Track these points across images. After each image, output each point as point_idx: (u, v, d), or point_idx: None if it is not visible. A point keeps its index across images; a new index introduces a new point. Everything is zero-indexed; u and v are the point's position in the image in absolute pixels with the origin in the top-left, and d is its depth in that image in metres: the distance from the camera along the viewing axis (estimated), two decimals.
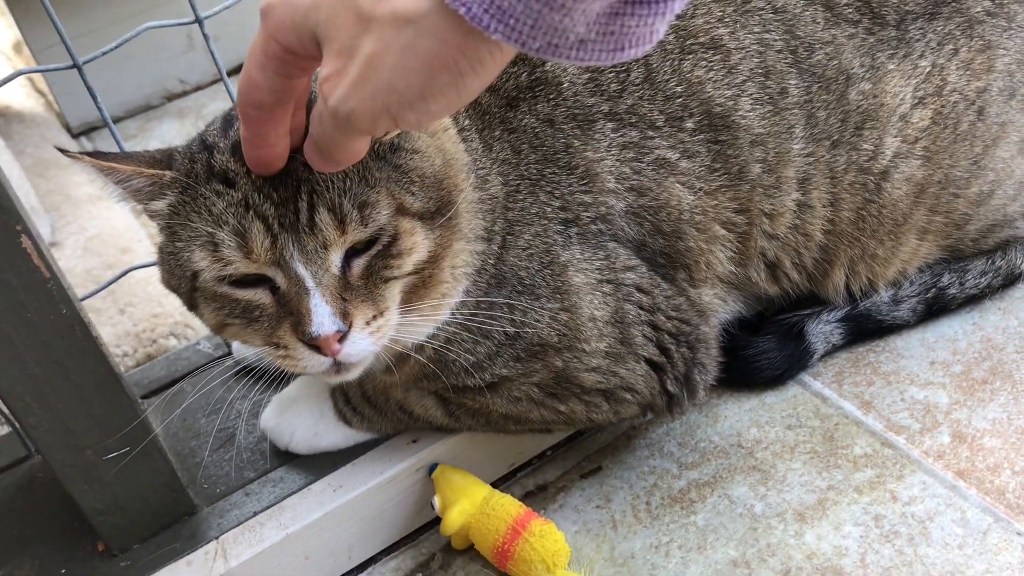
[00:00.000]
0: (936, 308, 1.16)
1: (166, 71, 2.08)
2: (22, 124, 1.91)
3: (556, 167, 0.94)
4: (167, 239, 0.83)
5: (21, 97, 2.08)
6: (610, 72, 0.97)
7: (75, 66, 0.99)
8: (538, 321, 0.93)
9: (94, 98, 1.03)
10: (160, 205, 0.82)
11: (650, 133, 0.97)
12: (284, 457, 1.06)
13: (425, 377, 0.92)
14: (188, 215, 0.79)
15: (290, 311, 0.78)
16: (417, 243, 0.80)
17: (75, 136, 1.99)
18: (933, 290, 1.15)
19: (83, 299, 1.06)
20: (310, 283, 0.76)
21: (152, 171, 0.80)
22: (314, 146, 0.67)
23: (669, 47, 0.98)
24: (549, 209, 0.94)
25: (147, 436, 0.95)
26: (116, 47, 1.01)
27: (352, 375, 0.85)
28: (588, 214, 0.95)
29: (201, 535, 0.99)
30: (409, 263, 0.80)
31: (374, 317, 0.79)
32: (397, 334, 0.83)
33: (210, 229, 0.77)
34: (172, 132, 2.00)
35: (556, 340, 0.94)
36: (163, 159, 0.82)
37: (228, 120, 0.82)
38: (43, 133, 1.88)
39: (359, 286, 0.79)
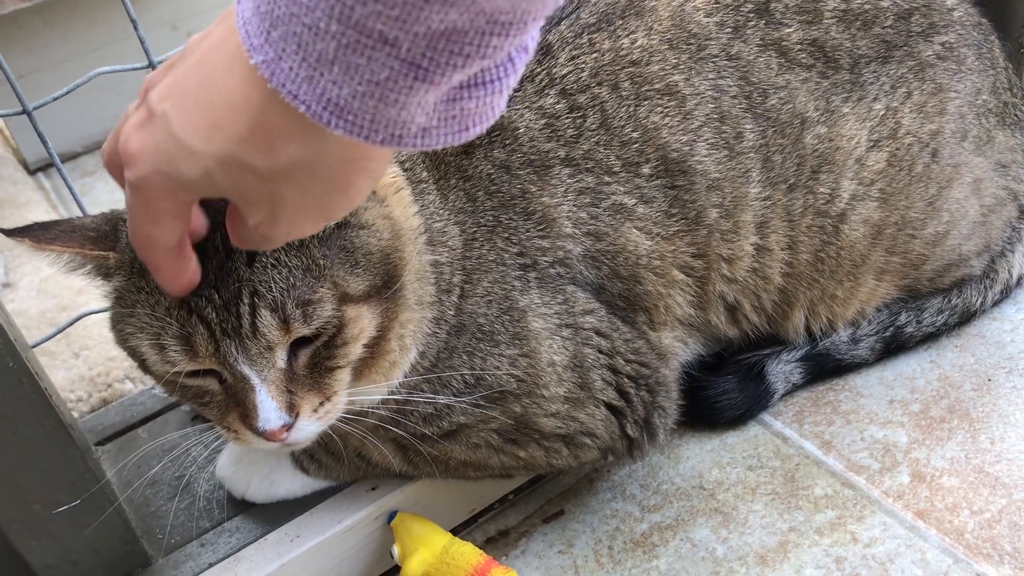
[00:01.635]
0: (894, 346, 1.17)
1: (126, 106, 2.05)
2: None
3: (513, 213, 0.94)
4: (115, 314, 0.81)
5: None
6: (566, 118, 0.97)
7: (24, 112, 0.98)
8: (497, 368, 0.93)
9: (45, 144, 1.02)
10: (107, 287, 0.81)
11: (606, 179, 0.97)
12: (240, 506, 1.04)
13: (382, 426, 0.91)
14: (133, 305, 0.77)
15: (237, 402, 0.78)
16: (363, 328, 0.79)
17: (32, 172, 1.97)
18: (891, 329, 1.16)
19: (34, 346, 1.04)
20: (255, 381, 0.76)
21: (96, 252, 0.78)
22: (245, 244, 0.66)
23: (625, 93, 0.98)
24: (507, 255, 0.93)
25: (99, 487, 0.93)
26: (67, 93, 0.99)
27: (303, 445, 0.85)
28: (546, 259, 0.95)
29: None
30: (356, 349, 0.80)
31: (321, 404, 0.80)
32: (349, 406, 0.84)
33: (155, 330, 0.76)
34: None
35: (515, 386, 0.93)
36: (110, 231, 0.80)
37: None
38: None
39: (305, 375, 0.79)
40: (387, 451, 0.97)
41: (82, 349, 1.32)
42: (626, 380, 0.98)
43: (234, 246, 0.68)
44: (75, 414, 1.24)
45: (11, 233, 0.78)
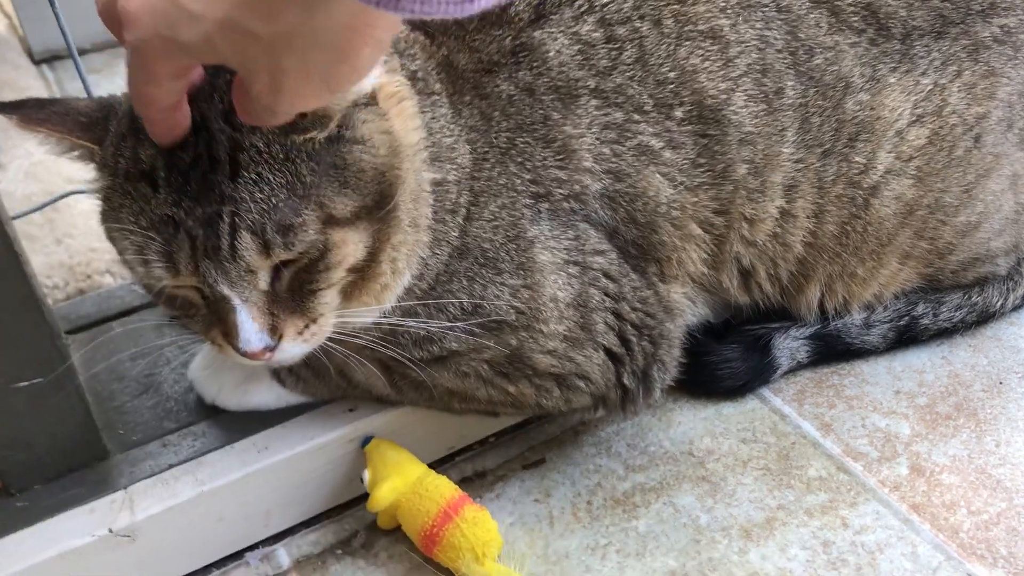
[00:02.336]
0: (907, 337, 1.12)
1: None
2: None
3: (531, 138, 0.89)
4: (103, 211, 0.76)
5: None
6: (602, 47, 0.92)
7: None
8: (497, 297, 0.88)
9: (58, 19, 0.95)
10: (93, 180, 0.77)
11: (636, 116, 0.92)
12: (209, 412, 0.99)
13: (369, 347, 0.86)
14: (119, 209, 0.73)
15: (220, 319, 0.75)
16: (348, 253, 0.75)
17: (36, 63, 1.90)
18: (906, 318, 1.11)
19: (15, 217, 0.99)
20: (236, 301, 0.73)
21: (83, 142, 0.75)
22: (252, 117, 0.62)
23: (666, 30, 0.93)
24: (519, 181, 0.88)
25: (65, 368, 0.88)
26: None
27: (289, 364, 0.83)
28: (561, 191, 0.90)
29: (110, 483, 0.92)
30: (339, 273, 0.76)
31: (306, 327, 0.77)
32: (338, 329, 0.80)
33: (139, 242, 0.72)
34: None
35: (514, 318, 0.88)
36: (101, 119, 0.75)
37: None
38: (2, 54, 1.79)
39: (288, 297, 0.75)
40: (371, 372, 0.92)
41: (65, 236, 1.26)
42: (629, 327, 0.93)
43: (219, 155, 0.68)
44: (49, 301, 1.19)
45: (3, 108, 0.74)
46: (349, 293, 0.79)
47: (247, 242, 0.70)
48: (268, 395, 0.97)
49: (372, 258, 0.78)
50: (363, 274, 0.78)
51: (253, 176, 0.69)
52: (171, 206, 0.70)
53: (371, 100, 0.75)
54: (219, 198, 0.69)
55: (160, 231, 0.71)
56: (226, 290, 0.72)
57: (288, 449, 0.94)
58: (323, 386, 0.96)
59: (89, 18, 2.18)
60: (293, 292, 0.75)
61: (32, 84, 1.71)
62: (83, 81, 1.05)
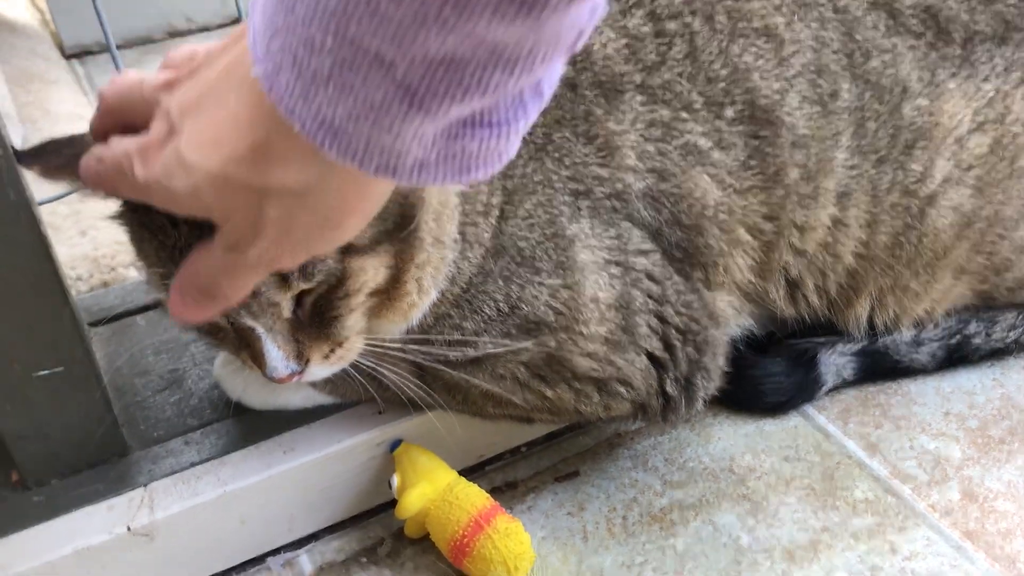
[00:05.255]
0: (957, 356, 1.08)
1: (174, 6, 1.99)
2: (13, 35, 1.81)
3: (571, 133, 0.86)
4: (129, 240, 0.76)
5: (18, 9, 1.97)
6: (651, 42, 0.89)
7: None
8: (535, 297, 0.84)
9: (98, 13, 0.93)
10: (116, 210, 0.76)
11: (684, 115, 0.88)
12: (234, 410, 0.95)
13: (402, 352, 0.83)
14: (140, 240, 0.73)
15: (247, 345, 0.75)
16: (367, 279, 0.74)
17: (67, 57, 1.89)
18: (957, 337, 1.06)
19: (43, 203, 0.96)
20: (260, 331, 0.73)
21: None
22: (194, 290, 0.61)
23: (719, 27, 0.90)
24: (556, 178, 0.85)
25: (87, 358, 0.85)
26: None
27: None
28: (602, 189, 0.86)
29: (129, 479, 0.89)
30: (359, 299, 0.75)
31: (332, 350, 0.77)
32: (367, 347, 0.80)
33: (159, 272, 0.71)
34: None
35: (552, 319, 0.85)
36: None
37: None
38: (33, 47, 1.78)
39: (311, 324, 0.74)
40: (403, 372, 0.89)
41: (90, 228, 1.23)
42: (673, 332, 0.89)
43: None
44: (72, 292, 1.16)
45: (22, 159, 0.74)
46: (376, 312, 0.78)
47: (265, 277, 0.69)
48: (296, 395, 0.94)
49: (396, 279, 0.77)
50: (388, 295, 0.77)
51: None
52: (189, 239, 0.67)
53: None
54: None
55: (179, 264, 0.68)
56: (249, 321, 0.72)
57: (314, 451, 0.90)
58: (352, 387, 0.93)
59: (120, 14, 2.19)
60: (316, 318, 0.75)
61: (62, 78, 1.70)
62: (116, 64, 1.03)
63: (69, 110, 1.52)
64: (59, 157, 0.74)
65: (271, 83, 0.46)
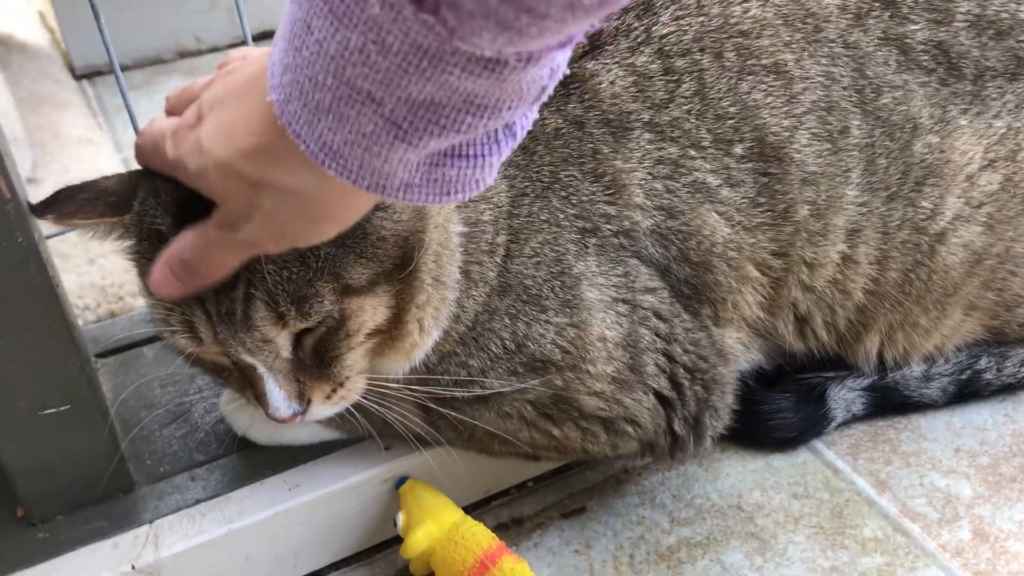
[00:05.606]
0: (968, 392, 1.07)
1: (184, 26, 1.99)
2: (23, 56, 1.81)
3: (578, 172, 0.85)
4: (138, 275, 0.78)
5: (29, 30, 1.98)
6: (659, 79, 0.88)
7: None
8: (542, 335, 0.84)
9: (103, 35, 0.93)
10: (126, 245, 0.77)
11: (692, 152, 0.88)
12: (240, 445, 0.95)
13: (408, 385, 0.83)
14: (144, 275, 0.74)
15: (250, 384, 0.77)
16: (366, 319, 0.75)
17: (77, 78, 1.89)
18: (968, 372, 1.06)
19: (50, 237, 0.96)
20: (261, 370, 0.74)
21: (113, 219, 0.75)
22: (178, 263, 0.67)
23: (728, 64, 0.89)
24: (562, 216, 0.85)
25: (93, 396, 0.85)
26: None
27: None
28: (610, 227, 0.86)
29: (134, 516, 0.89)
30: (359, 339, 0.75)
31: (333, 391, 0.78)
32: (369, 386, 0.81)
33: (163, 309, 0.74)
34: None
35: (559, 357, 0.84)
36: (129, 193, 0.75)
37: None
38: (44, 68, 1.78)
39: (312, 364, 0.75)
40: (408, 409, 0.88)
41: (99, 256, 1.23)
42: (681, 370, 0.88)
43: None
44: (80, 322, 1.16)
45: (36, 211, 0.76)
46: (378, 352, 0.79)
47: (261, 313, 0.70)
48: (301, 431, 0.93)
49: (397, 319, 0.77)
50: (390, 334, 0.78)
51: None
52: None
53: None
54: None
55: (181, 300, 0.71)
56: (249, 359, 0.73)
57: (320, 488, 0.90)
58: (358, 423, 0.92)
59: (130, 35, 2.19)
60: (317, 358, 0.75)
61: (72, 99, 1.70)
62: (124, 98, 1.02)
63: (79, 134, 1.52)
64: (72, 203, 0.76)
65: (282, 110, 0.54)
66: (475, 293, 0.82)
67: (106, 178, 0.79)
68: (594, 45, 0.89)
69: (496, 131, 0.54)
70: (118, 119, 1.75)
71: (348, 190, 0.56)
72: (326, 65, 0.50)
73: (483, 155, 0.55)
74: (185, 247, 0.66)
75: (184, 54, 2.02)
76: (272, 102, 0.54)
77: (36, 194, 0.78)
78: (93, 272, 1.22)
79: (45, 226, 0.80)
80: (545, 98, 0.53)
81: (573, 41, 0.50)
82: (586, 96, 0.87)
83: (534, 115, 0.56)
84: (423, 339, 0.80)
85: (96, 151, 1.47)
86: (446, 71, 0.47)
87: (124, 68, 1.95)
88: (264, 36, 2.05)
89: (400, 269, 0.74)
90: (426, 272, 0.77)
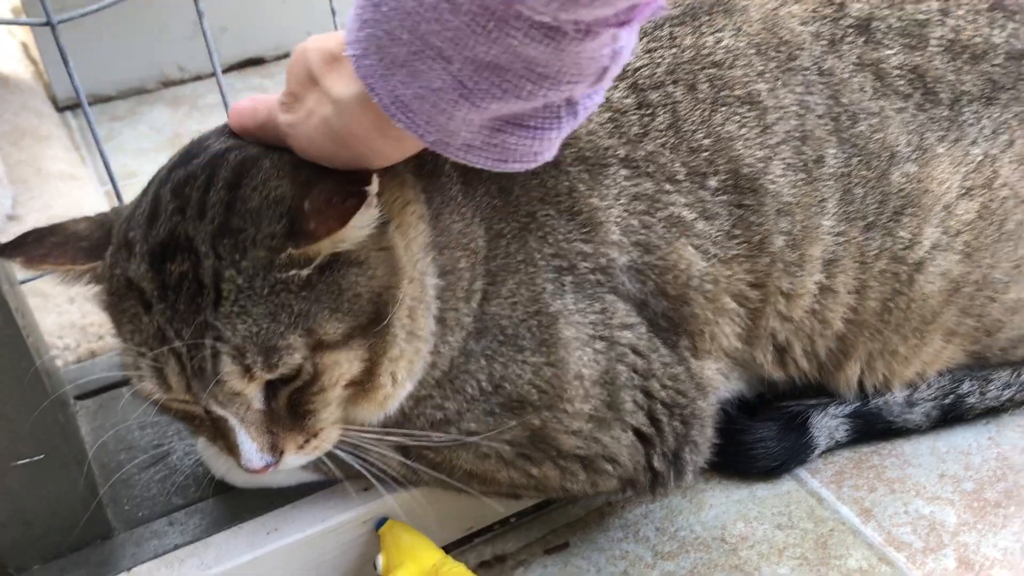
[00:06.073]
0: (952, 416, 1.06)
1: (167, 55, 1.99)
2: (5, 88, 1.81)
3: (554, 210, 0.85)
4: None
5: (11, 63, 1.98)
6: (633, 114, 0.88)
7: (48, 23, 0.90)
8: (519, 376, 0.83)
9: (66, 63, 0.94)
10: (96, 292, 0.77)
11: (667, 187, 0.88)
12: (219, 487, 0.95)
13: (384, 429, 0.83)
14: (116, 322, 0.74)
15: (222, 435, 0.76)
16: (342, 373, 0.74)
17: (60, 110, 1.89)
18: (951, 396, 1.05)
19: (24, 282, 0.96)
20: (233, 421, 0.73)
21: (86, 267, 0.75)
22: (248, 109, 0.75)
23: (702, 95, 0.89)
24: (538, 256, 0.84)
25: (68, 444, 0.84)
26: (96, 10, 0.92)
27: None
28: (586, 264, 0.85)
29: (112, 564, 0.88)
30: (334, 393, 0.75)
31: (307, 441, 0.77)
32: (343, 437, 0.80)
33: (134, 356, 0.73)
34: (163, 119, 1.91)
35: (536, 397, 0.84)
36: (101, 239, 0.76)
37: (156, 207, 0.73)
38: (26, 101, 1.78)
39: (286, 415, 0.74)
40: (386, 450, 0.88)
41: (79, 295, 1.23)
42: (659, 406, 0.88)
43: (204, 281, 0.68)
44: (59, 362, 1.16)
45: (4, 251, 0.75)
46: (352, 401, 0.78)
47: (228, 367, 0.69)
48: (279, 473, 0.92)
49: (370, 372, 0.76)
50: (362, 386, 0.77)
51: (236, 308, 0.69)
52: (160, 324, 0.70)
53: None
54: (202, 323, 0.69)
55: (151, 348, 0.71)
56: (219, 410, 0.72)
57: (298, 531, 0.89)
58: (336, 465, 0.92)
59: (113, 65, 2.18)
60: (291, 410, 0.74)
61: (54, 132, 1.70)
62: (93, 133, 1.03)
63: (61, 169, 1.52)
64: (41, 247, 0.76)
65: (358, 63, 0.59)
66: (451, 339, 0.82)
67: (76, 221, 0.79)
68: None
69: (557, 107, 0.59)
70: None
71: (385, 129, 0.62)
72: (403, 20, 0.55)
73: (543, 128, 0.61)
74: (259, 101, 0.74)
75: (168, 83, 2.02)
76: (349, 57, 0.60)
77: (17, 230, 0.78)
78: (73, 311, 1.22)
79: (20, 271, 0.80)
80: (608, 82, 0.58)
81: (633, 23, 0.55)
82: None
83: (599, 99, 0.62)
84: (396, 391, 0.79)
85: (79, 186, 1.46)
86: (510, 35, 0.52)
87: (108, 98, 1.96)
88: (246, 64, 2.06)
89: (374, 324, 0.74)
90: (400, 327, 0.76)
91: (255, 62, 2.03)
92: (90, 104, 1.92)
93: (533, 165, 0.63)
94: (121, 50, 1.92)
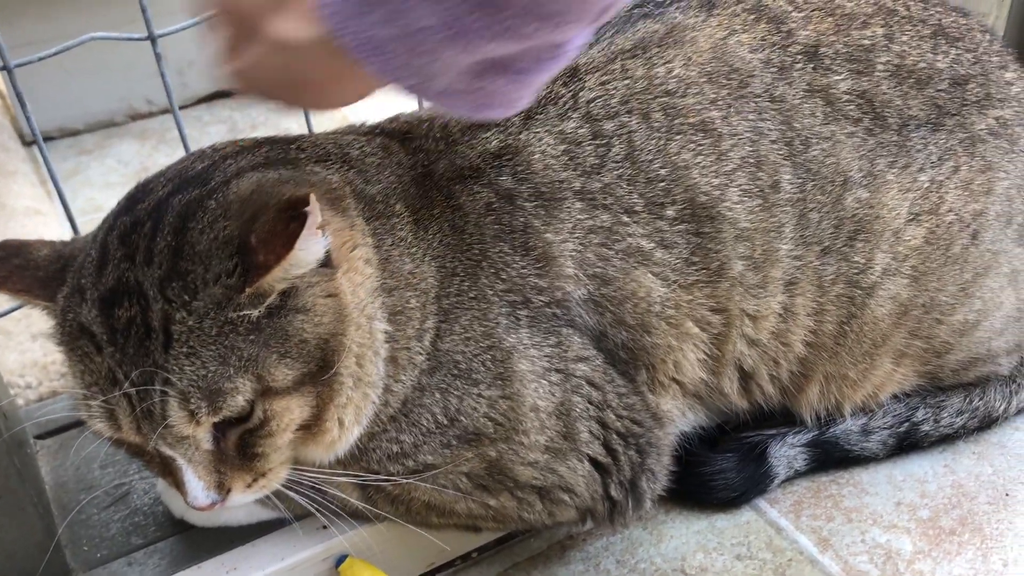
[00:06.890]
0: (907, 444, 1.08)
1: (134, 89, 1.99)
2: None
3: (507, 247, 0.86)
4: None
5: None
6: (588, 145, 0.89)
7: (5, 68, 0.90)
8: (474, 408, 0.84)
9: (23, 105, 0.95)
10: (52, 330, 0.78)
11: (625, 219, 0.89)
12: (178, 526, 0.95)
13: (340, 463, 0.83)
14: (71, 359, 0.75)
15: (169, 472, 0.76)
16: (291, 418, 0.75)
17: (27, 144, 1.89)
18: (906, 424, 1.07)
19: None
20: (180, 461, 0.74)
21: (40, 301, 0.77)
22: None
23: (656, 124, 0.90)
24: (491, 292, 0.85)
25: (24, 486, 0.84)
26: (55, 53, 0.93)
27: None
28: (541, 298, 0.86)
29: None
30: (284, 437, 0.76)
31: (255, 480, 0.77)
32: (291, 477, 0.81)
33: (83, 393, 0.74)
34: (131, 152, 1.91)
35: (492, 430, 0.85)
36: (56, 273, 0.77)
37: (104, 255, 0.74)
38: None
39: (235, 455, 0.75)
40: (345, 485, 0.88)
41: (40, 333, 1.23)
42: (615, 436, 0.89)
43: (153, 325, 0.69)
44: (20, 401, 1.15)
45: None
46: (302, 443, 0.79)
47: (176, 412, 0.70)
48: (238, 511, 0.93)
49: (317, 417, 0.77)
50: (311, 430, 0.78)
51: (185, 350, 0.70)
52: (111, 367, 0.71)
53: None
54: (152, 366, 0.70)
55: (102, 389, 0.72)
56: (168, 451, 0.73)
57: (258, 570, 0.89)
58: (294, 502, 0.92)
59: (82, 99, 2.18)
60: (240, 450, 0.75)
61: (20, 167, 1.70)
62: (48, 168, 1.04)
63: (26, 204, 1.52)
64: (4, 267, 0.77)
65: (322, 3, 0.54)
66: (404, 377, 0.83)
67: (41, 245, 0.80)
68: (528, 115, 0.90)
69: (548, 49, 0.56)
70: (67, 186, 1.74)
71: (348, 72, 0.57)
72: None
73: (528, 72, 0.57)
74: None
75: (136, 116, 2.03)
76: None
77: None
78: (35, 349, 1.21)
79: None
80: (605, 18, 0.55)
81: None
82: (519, 168, 0.87)
83: (586, 38, 0.58)
84: (343, 435, 0.80)
85: (44, 222, 1.46)
86: None
87: (76, 132, 1.96)
88: (214, 97, 2.07)
89: (323, 371, 0.74)
90: (347, 375, 0.77)
91: (223, 95, 2.04)
92: (59, 138, 1.93)
93: (511, 112, 0.60)
94: (89, 84, 1.92)
